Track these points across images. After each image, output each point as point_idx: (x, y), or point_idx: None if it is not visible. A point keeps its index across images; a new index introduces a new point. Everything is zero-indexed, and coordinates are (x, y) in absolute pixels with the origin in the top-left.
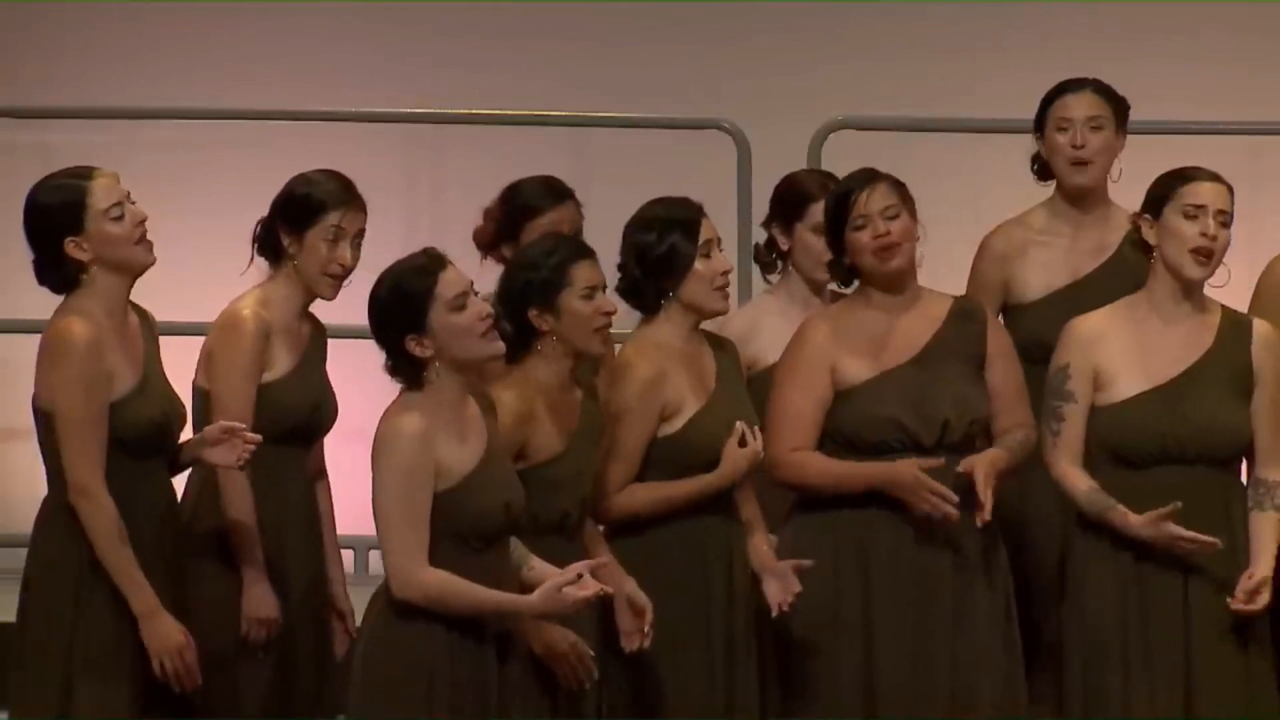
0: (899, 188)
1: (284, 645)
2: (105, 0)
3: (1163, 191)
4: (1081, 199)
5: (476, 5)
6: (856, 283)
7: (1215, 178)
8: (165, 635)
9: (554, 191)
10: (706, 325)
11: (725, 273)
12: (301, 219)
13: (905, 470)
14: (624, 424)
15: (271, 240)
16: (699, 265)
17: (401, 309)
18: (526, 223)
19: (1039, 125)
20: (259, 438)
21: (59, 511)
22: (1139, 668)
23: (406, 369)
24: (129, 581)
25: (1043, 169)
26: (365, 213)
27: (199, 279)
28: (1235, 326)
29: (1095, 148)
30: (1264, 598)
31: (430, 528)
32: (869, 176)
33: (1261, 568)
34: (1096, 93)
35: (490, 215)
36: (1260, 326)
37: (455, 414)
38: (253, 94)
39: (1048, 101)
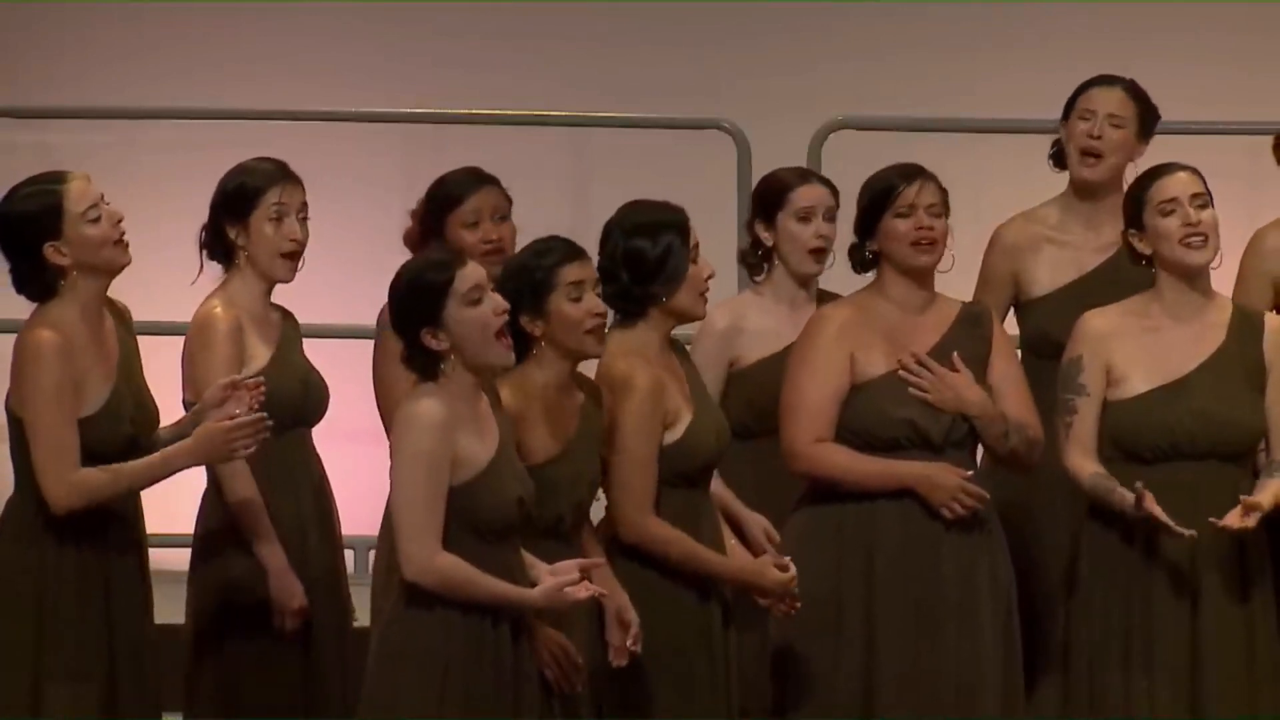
0: (943, 192)
1: (305, 634)
2: (105, 0)
3: (1136, 201)
4: (1090, 194)
5: (476, 5)
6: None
7: (1178, 168)
8: (207, 437)
9: (474, 178)
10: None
11: (709, 277)
12: (242, 207)
13: (946, 475)
14: (637, 437)
15: (219, 240)
16: (689, 270)
17: (419, 301)
18: (448, 214)
19: (1065, 114)
20: (262, 380)
21: (22, 512)
22: (1139, 668)
23: (422, 361)
24: (161, 461)
25: (1059, 157)
26: (303, 187)
27: (199, 279)
28: (1247, 322)
29: (1110, 143)
30: (1254, 518)
31: (446, 519)
32: (920, 171)
33: (1264, 498)
34: (1127, 92)
35: (415, 215)
36: (1272, 321)
37: (471, 408)
38: (253, 94)
39: (1077, 92)
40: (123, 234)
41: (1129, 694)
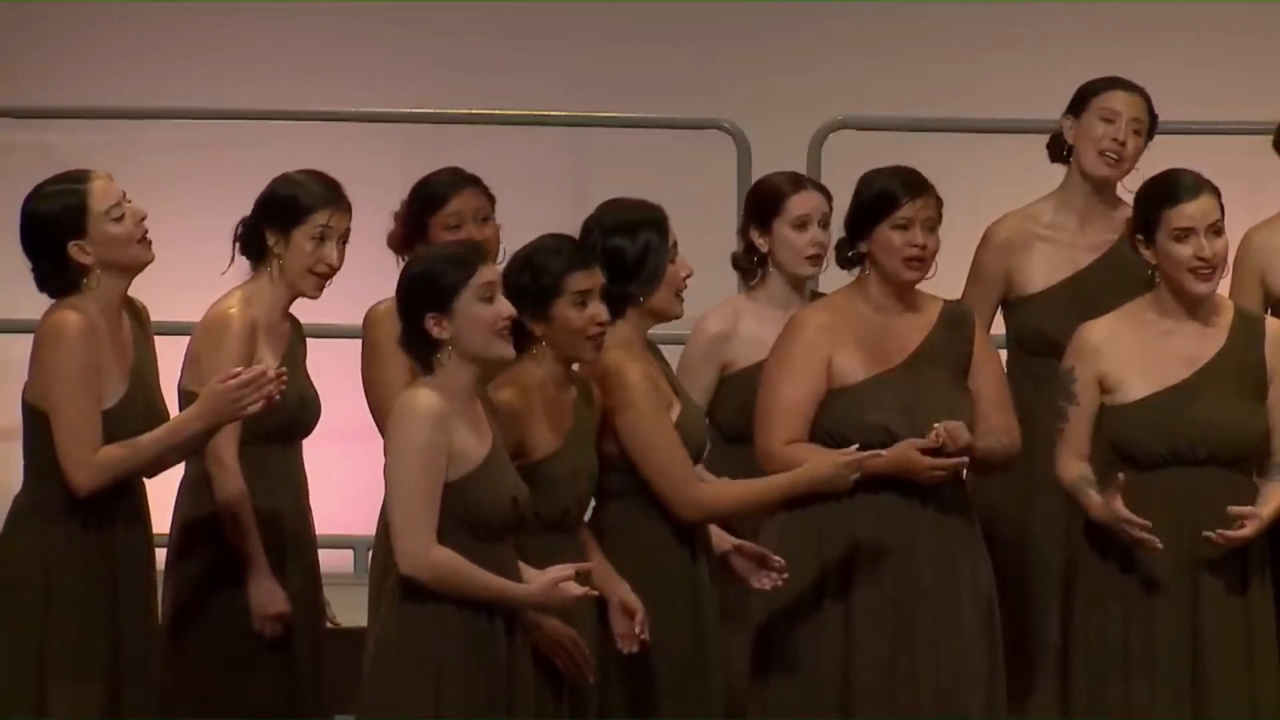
0: (939, 203)
1: (285, 642)
2: (105, 0)
3: (1150, 216)
4: (1099, 191)
5: (476, 5)
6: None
7: (1197, 191)
8: (215, 396)
9: (456, 179)
10: (675, 325)
11: (687, 277)
12: (288, 219)
13: (914, 455)
14: (653, 431)
15: (255, 240)
16: (668, 269)
17: (432, 286)
18: (431, 215)
19: (1076, 109)
20: (284, 370)
21: (29, 510)
22: (1139, 672)
23: (419, 347)
24: (173, 429)
25: (1061, 150)
26: (350, 213)
27: (199, 279)
28: (1248, 325)
29: (1131, 151)
30: (1249, 529)
31: (441, 515)
32: (922, 183)
33: (1263, 510)
34: (1145, 100)
35: (398, 217)
36: (1273, 325)
37: (466, 405)
38: (253, 94)
39: (1095, 89)
40: (145, 232)
41: (1130, 698)
